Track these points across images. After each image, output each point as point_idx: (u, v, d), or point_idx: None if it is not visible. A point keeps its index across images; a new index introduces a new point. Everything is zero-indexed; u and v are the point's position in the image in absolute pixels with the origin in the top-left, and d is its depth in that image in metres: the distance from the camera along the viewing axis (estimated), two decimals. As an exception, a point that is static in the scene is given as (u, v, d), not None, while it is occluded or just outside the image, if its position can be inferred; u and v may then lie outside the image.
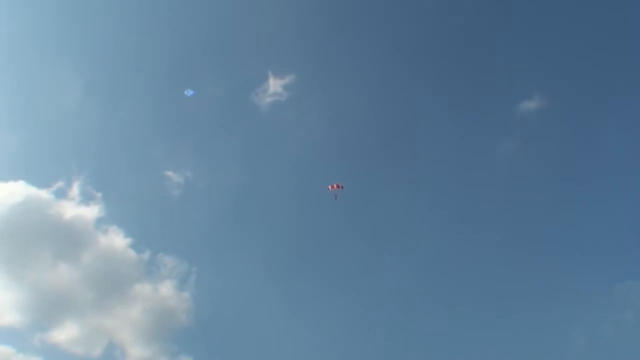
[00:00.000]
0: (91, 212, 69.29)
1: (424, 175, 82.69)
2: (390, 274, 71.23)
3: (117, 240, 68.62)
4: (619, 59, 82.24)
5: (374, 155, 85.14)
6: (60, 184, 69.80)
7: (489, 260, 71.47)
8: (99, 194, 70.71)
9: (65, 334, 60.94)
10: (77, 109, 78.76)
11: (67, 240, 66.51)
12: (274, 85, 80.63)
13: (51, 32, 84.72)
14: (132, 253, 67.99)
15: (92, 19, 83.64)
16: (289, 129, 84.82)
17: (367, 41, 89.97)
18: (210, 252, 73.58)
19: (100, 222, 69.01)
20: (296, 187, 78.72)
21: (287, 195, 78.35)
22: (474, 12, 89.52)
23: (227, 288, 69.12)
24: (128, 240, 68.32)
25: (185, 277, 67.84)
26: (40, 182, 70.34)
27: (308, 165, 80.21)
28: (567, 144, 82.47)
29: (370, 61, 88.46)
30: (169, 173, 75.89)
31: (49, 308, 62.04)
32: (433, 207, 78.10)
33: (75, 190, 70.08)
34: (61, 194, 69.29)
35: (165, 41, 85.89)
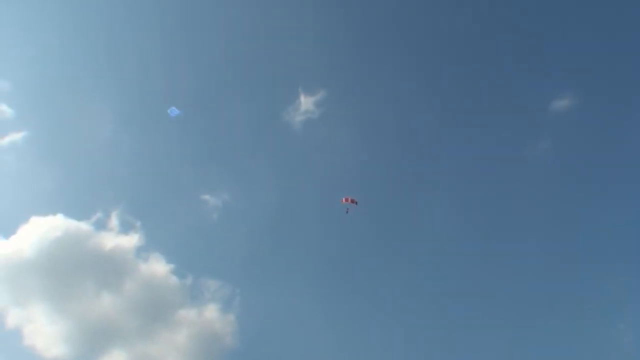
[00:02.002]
0: (131, 241, 70.35)
1: (458, 183, 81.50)
2: (433, 289, 70.55)
3: (158, 267, 69.52)
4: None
5: (406, 166, 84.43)
6: (98, 215, 71.14)
7: (528, 263, 69.95)
8: (138, 223, 71.94)
9: (111, 363, 62.18)
10: (110, 139, 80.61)
11: (109, 271, 67.69)
12: (305, 102, 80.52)
13: (80, 65, 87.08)
14: (174, 279, 68.58)
15: (119, 47, 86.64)
16: (322, 146, 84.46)
17: (395, 51, 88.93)
18: (252, 273, 73.45)
19: (140, 251, 70.15)
20: (332, 204, 77.66)
21: (324, 212, 77.60)
22: (505, 13, 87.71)
23: (271, 308, 68.66)
24: (170, 267, 68.99)
25: (229, 300, 68.10)
26: (78, 214, 71.70)
27: (342, 181, 79.17)
28: (601, 143, 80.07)
29: (398, 71, 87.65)
30: (206, 197, 76.73)
31: (95, 338, 63.02)
32: (469, 215, 76.86)
33: (114, 220, 71.51)
34: (100, 225, 70.69)
35: (193, 64, 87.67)
